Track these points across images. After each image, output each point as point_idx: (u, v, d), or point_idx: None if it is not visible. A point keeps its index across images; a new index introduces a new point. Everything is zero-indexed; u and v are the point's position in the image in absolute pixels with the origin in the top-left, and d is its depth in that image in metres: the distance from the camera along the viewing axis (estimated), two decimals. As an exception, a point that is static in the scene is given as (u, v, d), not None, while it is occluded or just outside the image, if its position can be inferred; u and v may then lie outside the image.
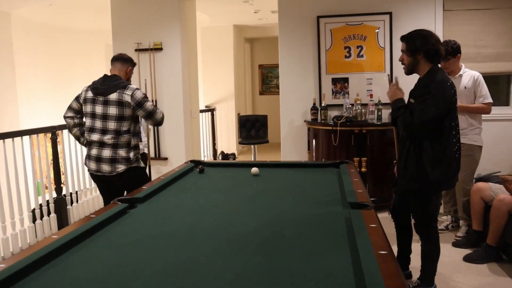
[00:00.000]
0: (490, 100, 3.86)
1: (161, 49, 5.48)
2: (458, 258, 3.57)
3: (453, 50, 3.81)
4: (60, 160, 4.77)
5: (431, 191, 2.83)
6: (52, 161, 4.67)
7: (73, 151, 5.00)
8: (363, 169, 4.73)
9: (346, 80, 5.27)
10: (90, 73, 8.30)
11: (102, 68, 8.33)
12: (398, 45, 5.04)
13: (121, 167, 3.20)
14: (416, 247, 3.13)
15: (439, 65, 2.80)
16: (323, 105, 5.15)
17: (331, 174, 3.07)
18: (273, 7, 5.93)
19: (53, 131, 4.59)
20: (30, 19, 7.18)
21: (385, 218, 4.45)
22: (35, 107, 7.34)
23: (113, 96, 3.14)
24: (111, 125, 3.17)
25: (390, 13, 5.13)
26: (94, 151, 3.22)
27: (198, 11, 6.55)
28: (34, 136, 4.45)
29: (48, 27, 7.68)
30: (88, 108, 3.24)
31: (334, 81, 5.30)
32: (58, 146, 4.72)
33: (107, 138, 3.17)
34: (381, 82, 5.20)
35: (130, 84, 3.25)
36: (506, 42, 5.00)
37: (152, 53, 5.48)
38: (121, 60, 3.36)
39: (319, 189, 2.73)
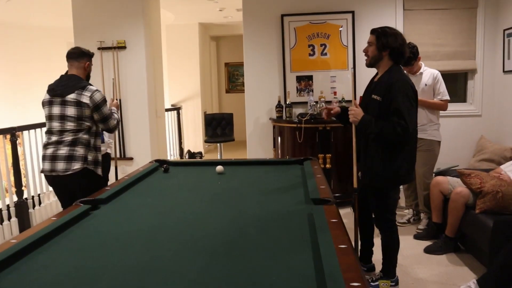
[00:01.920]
0: (447, 97, 4.04)
1: (124, 47, 5.40)
2: (419, 250, 3.70)
3: (414, 55, 3.97)
4: (21, 162, 4.63)
5: (392, 186, 2.93)
6: (12, 164, 4.53)
7: (34, 153, 4.86)
8: (327, 166, 4.81)
9: (310, 78, 5.35)
10: (51, 73, 8.05)
11: (64, 67, 8.11)
12: (360, 44, 5.18)
13: (77, 166, 3.04)
14: (378, 240, 3.21)
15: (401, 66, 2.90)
16: (288, 102, 5.21)
17: (295, 171, 3.11)
18: (238, 5, 5.94)
19: (12, 133, 4.45)
20: (-15, 16, 6.92)
21: (348, 213, 4.56)
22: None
23: (71, 97, 3.03)
24: (70, 125, 3.05)
25: (352, 12, 5.23)
26: (50, 150, 3.08)
27: (163, 9, 6.49)
28: (-8, 137, 4.31)
29: (5, 25, 7.42)
30: (46, 111, 3.13)
31: (299, 78, 5.36)
32: (19, 147, 4.58)
33: (66, 138, 3.05)
34: (344, 79, 5.30)
35: (90, 85, 3.13)
36: (463, 41, 5.20)
37: (116, 51, 5.39)
38: (77, 55, 3.19)
39: (283, 186, 2.76)
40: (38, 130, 4.97)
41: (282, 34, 5.31)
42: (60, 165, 3.05)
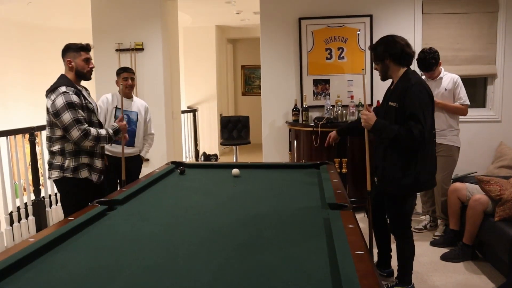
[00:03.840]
0: (468, 102, 3.98)
1: (142, 49, 5.45)
2: (436, 257, 3.64)
3: (436, 61, 3.92)
4: (39, 161, 4.70)
5: (413, 193, 2.89)
6: (30, 163, 4.59)
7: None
8: (343, 170, 4.77)
9: (327, 81, 5.32)
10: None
11: (82, 68, 8.21)
12: (378, 48, 5.14)
13: (54, 174, 2.90)
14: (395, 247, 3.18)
15: (412, 68, 2.86)
16: (304, 106, 5.19)
17: (311, 175, 3.10)
18: (255, 8, 5.95)
19: (31, 132, 4.51)
20: (6, 18, 7.05)
21: (364, 218, 4.51)
22: (12, 108, 7.21)
23: (47, 102, 2.85)
24: (48, 131, 2.90)
25: (370, 16, 5.19)
26: None
27: (180, 11, 6.53)
28: (12, 137, 4.37)
29: (26, 26, 7.55)
30: None
31: (315, 82, 5.34)
32: (37, 147, 4.65)
33: (48, 146, 2.93)
34: (361, 83, 5.25)
35: (60, 87, 2.81)
36: (482, 46, 5.12)
37: (133, 53, 5.44)
38: (62, 53, 2.97)
39: (299, 190, 2.75)
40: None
41: (300, 38, 5.30)
42: (48, 172, 2.99)
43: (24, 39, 7.57)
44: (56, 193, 4.95)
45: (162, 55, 5.45)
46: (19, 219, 4.35)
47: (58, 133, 2.85)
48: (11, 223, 4.26)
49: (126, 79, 3.83)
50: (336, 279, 1.40)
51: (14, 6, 6.41)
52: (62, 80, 2.88)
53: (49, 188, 4.83)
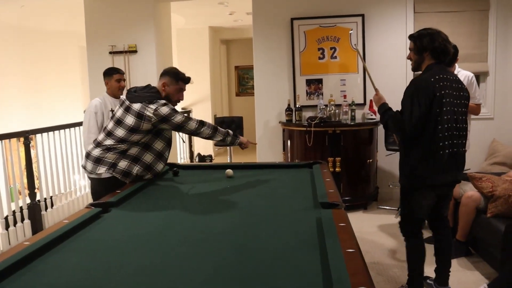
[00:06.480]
0: (482, 101, 3.92)
1: (135, 51, 5.45)
2: (429, 254, 3.64)
3: (455, 56, 3.81)
4: (34, 165, 4.70)
5: (411, 185, 2.77)
6: (25, 166, 4.59)
7: (47, 156, 4.92)
8: (337, 169, 4.80)
9: (320, 81, 5.35)
10: (63, 76, 8.20)
11: (76, 71, 8.21)
12: (371, 47, 5.19)
13: (101, 170, 2.93)
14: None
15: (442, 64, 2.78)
16: (297, 106, 5.21)
17: (304, 175, 3.12)
18: (248, 9, 5.97)
19: (26, 136, 4.51)
20: (0, 21, 7.04)
21: (358, 216, 4.54)
22: (6, 111, 7.20)
23: (136, 107, 2.88)
24: (120, 132, 2.92)
25: (362, 15, 5.22)
26: (89, 147, 3.07)
27: (173, 13, 6.54)
28: (6, 140, 4.37)
29: (20, 29, 7.54)
30: (115, 108, 3.14)
31: (308, 82, 5.37)
32: (32, 150, 4.65)
33: (108, 141, 2.94)
34: (354, 82, 5.29)
35: (159, 100, 2.94)
36: (475, 44, 5.16)
37: (127, 55, 5.45)
38: (161, 74, 3.16)
39: (292, 189, 2.78)
40: (50, 133, 5.04)
41: (292, 38, 5.32)
42: (89, 165, 2.99)
43: (18, 42, 7.56)
44: (51, 197, 4.96)
45: (155, 57, 5.46)
46: (15, 223, 4.35)
47: (137, 137, 2.93)
48: (7, 227, 4.26)
49: (119, 80, 3.86)
50: (327, 277, 1.42)
51: (7, 9, 6.40)
52: (157, 95, 3.01)
53: (44, 192, 4.83)
